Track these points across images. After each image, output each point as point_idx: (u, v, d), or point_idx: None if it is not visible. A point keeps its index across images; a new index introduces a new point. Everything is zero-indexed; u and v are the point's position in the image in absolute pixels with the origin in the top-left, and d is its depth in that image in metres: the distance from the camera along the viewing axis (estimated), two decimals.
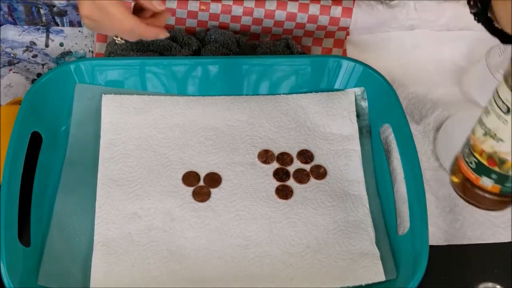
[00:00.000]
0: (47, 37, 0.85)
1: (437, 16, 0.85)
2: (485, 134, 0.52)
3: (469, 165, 0.53)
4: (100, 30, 0.67)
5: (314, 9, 0.81)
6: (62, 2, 0.83)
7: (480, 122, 0.53)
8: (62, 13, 0.84)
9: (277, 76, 0.75)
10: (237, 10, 0.80)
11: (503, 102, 0.49)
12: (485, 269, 0.67)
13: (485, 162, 0.52)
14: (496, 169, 0.52)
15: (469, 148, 0.53)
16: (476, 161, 0.52)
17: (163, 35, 0.65)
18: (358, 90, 0.75)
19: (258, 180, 0.69)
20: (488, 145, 0.51)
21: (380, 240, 0.66)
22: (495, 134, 0.51)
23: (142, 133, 0.71)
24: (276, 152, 0.72)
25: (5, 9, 0.83)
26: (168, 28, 0.83)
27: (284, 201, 0.68)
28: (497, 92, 0.50)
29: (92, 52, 0.84)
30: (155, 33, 0.64)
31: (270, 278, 0.63)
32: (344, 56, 0.82)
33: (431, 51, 0.85)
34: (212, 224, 0.66)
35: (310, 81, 0.76)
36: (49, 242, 0.63)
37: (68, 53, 0.84)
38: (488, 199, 0.54)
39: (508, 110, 0.49)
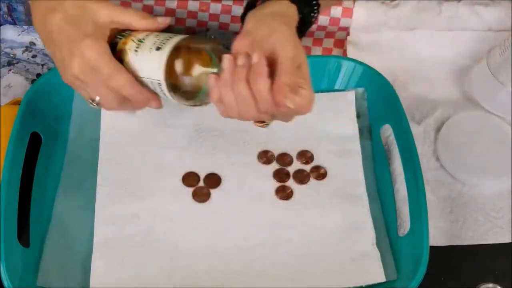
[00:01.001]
0: None
1: (438, 16, 0.85)
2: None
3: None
4: (82, 90, 0.57)
5: None
6: None
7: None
8: None
9: None
10: (237, 10, 0.80)
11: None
12: (486, 269, 0.67)
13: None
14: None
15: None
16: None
17: (156, 104, 0.58)
18: (358, 91, 0.75)
19: (258, 181, 0.69)
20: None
21: (380, 240, 0.66)
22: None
23: (141, 133, 0.71)
24: (276, 152, 0.72)
25: (5, 9, 0.83)
26: (168, 28, 0.82)
27: (284, 201, 0.68)
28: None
29: None
30: (147, 98, 0.57)
31: (270, 278, 0.63)
32: (344, 56, 0.82)
33: (432, 51, 0.85)
34: (212, 225, 0.66)
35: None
36: (48, 242, 0.63)
37: None
38: None
39: (158, 48, 0.53)
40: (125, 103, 0.57)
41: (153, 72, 0.54)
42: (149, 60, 0.54)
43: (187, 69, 0.53)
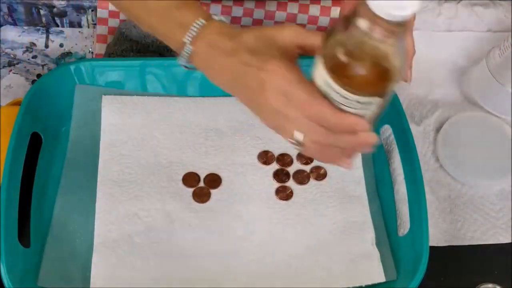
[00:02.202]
0: (47, 38, 0.85)
1: (437, 17, 0.85)
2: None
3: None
4: (282, 128, 0.48)
5: (314, 10, 0.81)
6: (62, 2, 0.83)
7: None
8: (62, 14, 0.84)
9: None
10: (237, 11, 0.80)
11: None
12: (485, 270, 0.67)
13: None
14: None
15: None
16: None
17: (363, 127, 0.45)
18: None
19: (258, 181, 0.69)
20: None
21: (380, 241, 0.66)
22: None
23: (142, 134, 0.71)
24: (276, 153, 0.72)
25: (5, 9, 0.83)
26: None
27: (284, 202, 0.68)
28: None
29: (92, 53, 0.84)
30: (351, 122, 0.44)
31: (270, 278, 0.63)
32: None
33: (431, 52, 0.85)
34: (212, 225, 0.66)
35: None
36: (49, 243, 0.63)
37: (68, 54, 0.84)
38: None
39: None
40: (330, 139, 0.47)
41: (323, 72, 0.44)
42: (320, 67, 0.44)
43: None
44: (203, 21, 0.50)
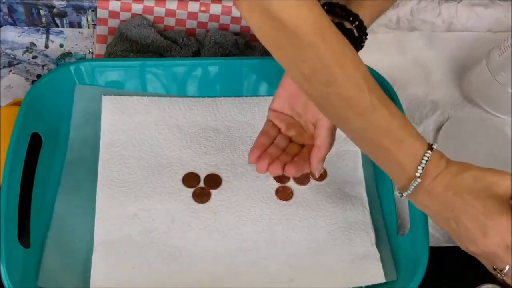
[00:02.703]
0: (47, 38, 0.85)
1: (437, 17, 0.85)
2: None
3: None
4: (487, 259, 0.54)
5: None
6: (62, 3, 0.83)
7: None
8: (62, 14, 0.84)
9: (277, 77, 0.75)
10: (237, 11, 0.80)
11: None
12: (485, 270, 0.67)
13: None
14: None
15: None
16: None
17: None
18: None
19: (258, 182, 0.69)
20: None
21: (380, 241, 0.66)
22: None
23: (142, 134, 0.71)
24: None
25: (5, 10, 0.83)
26: (168, 29, 0.83)
27: (284, 202, 0.68)
28: None
29: (92, 53, 0.84)
30: None
31: (270, 279, 0.63)
32: None
33: (431, 52, 0.85)
34: (212, 225, 0.66)
35: None
36: (49, 243, 0.63)
37: (68, 54, 0.84)
38: None
39: None
40: None
41: None
42: None
43: None
44: (430, 152, 0.51)
